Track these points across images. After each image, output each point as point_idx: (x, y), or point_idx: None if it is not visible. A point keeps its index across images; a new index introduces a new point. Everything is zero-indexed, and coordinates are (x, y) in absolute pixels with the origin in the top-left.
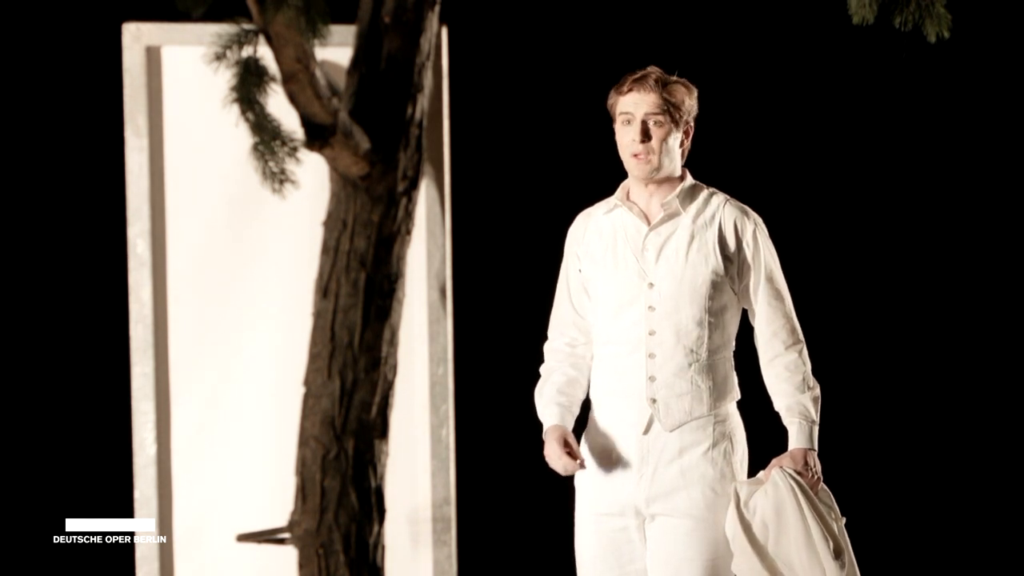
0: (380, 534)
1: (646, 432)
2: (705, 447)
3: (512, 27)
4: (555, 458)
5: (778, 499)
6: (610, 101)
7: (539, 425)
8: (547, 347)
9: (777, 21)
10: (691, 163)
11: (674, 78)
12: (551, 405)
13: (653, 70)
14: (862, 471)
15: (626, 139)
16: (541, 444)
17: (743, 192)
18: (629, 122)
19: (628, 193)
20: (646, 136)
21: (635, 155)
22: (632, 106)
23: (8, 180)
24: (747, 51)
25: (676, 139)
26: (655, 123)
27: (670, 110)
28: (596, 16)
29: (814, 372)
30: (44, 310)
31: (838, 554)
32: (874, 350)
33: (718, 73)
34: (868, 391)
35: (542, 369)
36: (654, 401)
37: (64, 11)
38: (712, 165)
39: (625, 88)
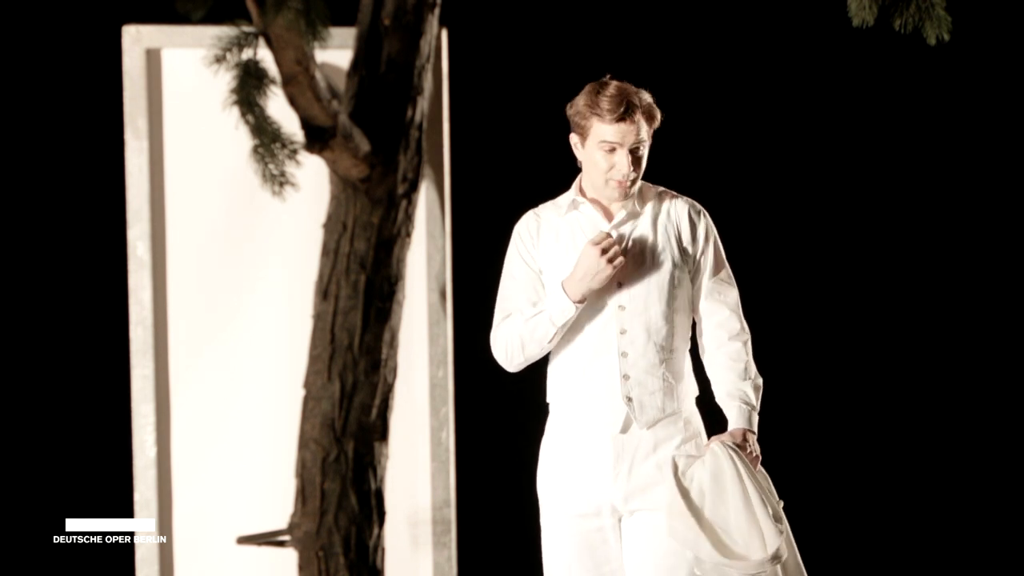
0: (380, 536)
1: (623, 431)
2: (678, 441)
3: (512, 30)
4: (603, 257)
5: (716, 467)
6: (581, 119)
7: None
8: (494, 330)
9: (777, 23)
10: (695, 163)
11: (646, 97)
12: (537, 308)
13: (625, 89)
14: (808, 465)
15: (606, 164)
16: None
17: (743, 194)
18: (613, 150)
19: (583, 193)
20: (637, 165)
21: (619, 181)
22: (619, 136)
23: (9, 182)
24: (747, 53)
25: (646, 156)
26: (640, 150)
27: (650, 131)
28: (595, 18)
29: (767, 366)
30: (44, 312)
31: (778, 519)
32: (832, 349)
33: (718, 75)
34: (819, 387)
35: (496, 338)
36: (629, 400)
37: (64, 13)
38: (712, 166)
39: (610, 117)
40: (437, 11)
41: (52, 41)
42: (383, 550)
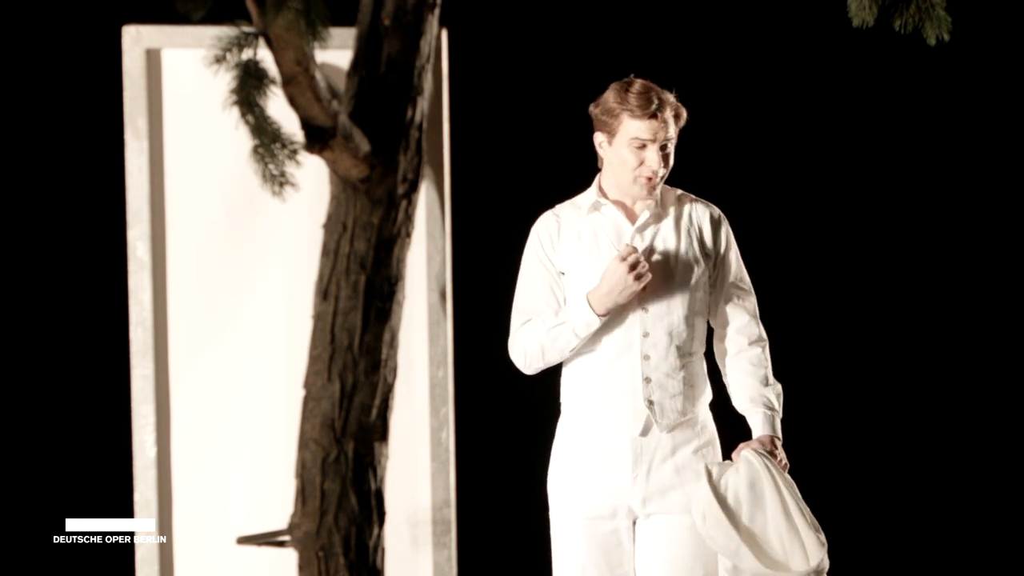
0: (380, 536)
1: (643, 434)
2: (696, 444)
3: (512, 30)
4: (631, 274)
5: (751, 475)
6: (609, 117)
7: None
8: (513, 334)
9: (777, 23)
10: (694, 164)
11: (672, 97)
12: (559, 311)
13: (652, 87)
14: (831, 472)
15: (635, 161)
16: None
17: (744, 195)
18: (644, 146)
19: (604, 194)
20: (665, 162)
21: (648, 178)
22: (651, 132)
23: (8, 182)
24: (747, 53)
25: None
26: (669, 148)
27: (677, 130)
28: (595, 19)
29: (783, 370)
30: (44, 313)
31: (816, 529)
32: (849, 352)
33: (718, 75)
34: (837, 391)
35: (515, 342)
36: (651, 403)
37: (64, 14)
38: (712, 167)
39: (642, 113)
40: (437, 11)
41: (52, 41)
42: (383, 550)
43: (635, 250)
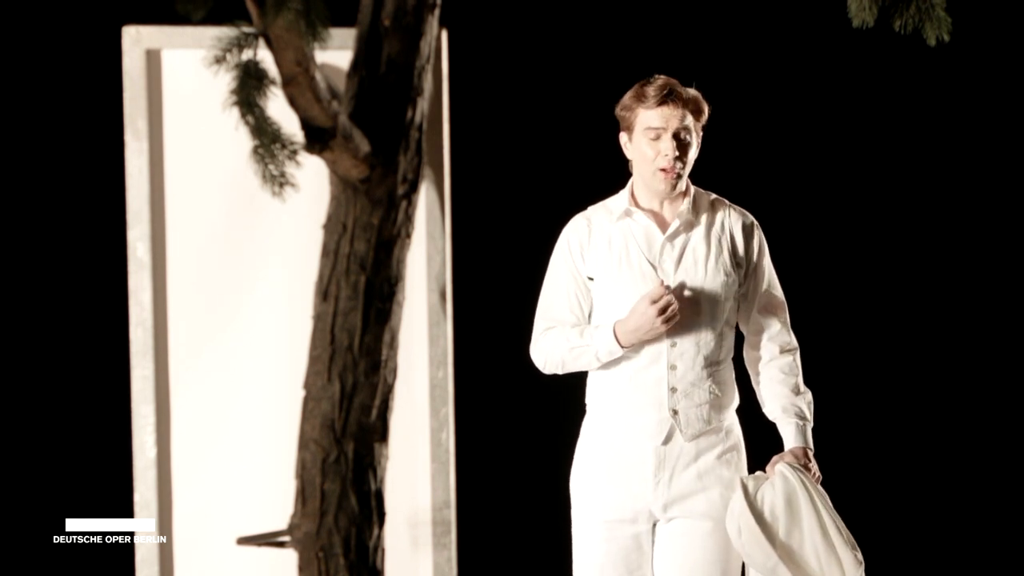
0: (380, 537)
1: (666, 443)
2: (720, 450)
3: (512, 31)
4: (660, 317)
5: (788, 490)
6: (626, 112)
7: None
8: (536, 338)
9: (777, 24)
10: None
11: (693, 91)
12: (584, 330)
13: (671, 81)
14: (856, 477)
15: (651, 152)
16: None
17: (744, 196)
18: (658, 137)
19: (635, 200)
20: (682, 151)
21: (664, 170)
22: (662, 120)
23: (8, 183)
24: (747, 54)
25: (695, 151)
26: (685, 138)
27: (696, 124)
28: (595, 20)
29: (807, 376)
30: (44, 313)
31: (853, 547)
32: (867, 355)
33: (717, 76)
34: (860, 396)
35: (537, 346)
36: (675, 412)
37: (64, 14)
38: (712, 168)
39: (653, 102)
40: (437, 12)
41: (52, 41)
42: (383, 551)
43: (667, 290)
